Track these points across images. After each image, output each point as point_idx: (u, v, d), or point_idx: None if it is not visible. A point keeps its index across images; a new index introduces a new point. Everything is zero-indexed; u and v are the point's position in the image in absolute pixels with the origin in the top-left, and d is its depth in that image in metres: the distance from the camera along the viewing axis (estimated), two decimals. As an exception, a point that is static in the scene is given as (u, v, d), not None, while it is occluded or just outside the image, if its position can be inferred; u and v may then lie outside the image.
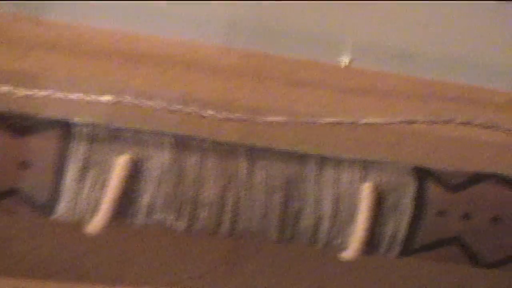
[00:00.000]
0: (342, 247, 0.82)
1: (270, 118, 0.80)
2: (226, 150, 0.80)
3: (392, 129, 0.92)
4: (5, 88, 0.73)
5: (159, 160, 0.79)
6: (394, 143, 0.94)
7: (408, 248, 0.83)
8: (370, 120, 0.81)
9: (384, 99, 0.93)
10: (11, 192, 0.74)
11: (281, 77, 0.92)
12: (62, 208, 0.76)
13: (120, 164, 0.75)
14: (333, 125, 0.84)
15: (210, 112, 0.78)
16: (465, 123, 0.80)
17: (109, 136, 0.77)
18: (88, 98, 0.75)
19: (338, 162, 0.82)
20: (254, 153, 0.80)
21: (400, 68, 0.97)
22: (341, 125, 0.83)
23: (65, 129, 0.76)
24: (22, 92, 0.73)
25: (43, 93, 0.74)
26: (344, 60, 0.95)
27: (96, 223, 0.75)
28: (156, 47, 0.89)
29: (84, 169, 0.75)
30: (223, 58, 0.91)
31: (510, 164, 0.96)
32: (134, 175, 0.79)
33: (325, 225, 0.81)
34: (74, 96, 0.75)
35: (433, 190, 0.83)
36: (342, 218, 0.81)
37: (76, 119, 0.77)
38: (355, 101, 0.94)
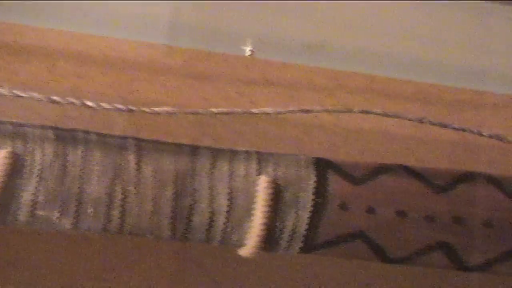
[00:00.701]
0: (240, 243, 0.79)
1: (158, 109, 0.77)
2: (113, 143, 0.77)
3: (297, 121, 0.90)
4: None
5: (40, 154, 0.75)
6: (300, 136, 0.91)
7: (310, 244, 0.80)
8: (263, 109, 0.78)
9: (288, 90, 0.91)
10: None
11: (177, 68, 0.89)
12: None
13: (-2, 158, 0.72)
14: (230, 116, 0.80)
15: (89, 103, 0.75)
16: (364, 112, 0.77)
17: (-15, 129, 0.73)
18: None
19: (232, 155, 0.79)
20: (142, 146, 0.77)
21: (305, 59, 0.95)
22: (236, 116, 0.80)
23: None
24: None
25: None
26: (248, 50, 0.93)
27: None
28: (47, 40, 0.86)
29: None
30: (116, 50, 0.88)
31: (419, 156, 0.93)
32: (15, 170, 0.74)
33: (221, 220, 0.78)
34: None
35: (335, 183, 0.81)
36: (238, 213, 0.78)
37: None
38: (259, 91, 0.91)
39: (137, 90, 0.88)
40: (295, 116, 0.86)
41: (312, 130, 0.90)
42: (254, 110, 0.77)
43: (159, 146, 0.77)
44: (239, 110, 0.76)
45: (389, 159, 0.82)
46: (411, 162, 0.83)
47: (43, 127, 0.75)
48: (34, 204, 0.73)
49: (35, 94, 0.72)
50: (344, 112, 0.75)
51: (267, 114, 0.76)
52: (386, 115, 0.79)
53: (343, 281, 0.95)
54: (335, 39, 0.96)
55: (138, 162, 0.75)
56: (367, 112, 0.77)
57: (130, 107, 0.76)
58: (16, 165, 0.74)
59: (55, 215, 0.73)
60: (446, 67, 1.03)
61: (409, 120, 0.79)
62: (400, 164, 0.83)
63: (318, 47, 0.95)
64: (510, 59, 1.06)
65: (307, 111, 0.77)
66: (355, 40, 0.98)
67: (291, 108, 0.76)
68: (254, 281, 0.94)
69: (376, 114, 0.79)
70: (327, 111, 0.77)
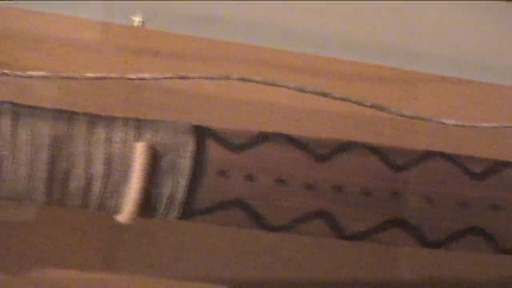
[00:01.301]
0: (117, 209, 0.80)
1: (32, 73, 0.78)
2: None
3: (183, 91, 0.91)
4: None
5: None
6: (185, 105, 0.93)
7: (189, 211, 0.82)
8: (139, 75, 0.80)
9: (177, 61, 0.93)
10: None
11: (63, 36, 0.90)
12: None
13: None
14: (117, 85, 0.82)
15: None
16: (241, 79, 0.79)
17: None
18: None
19: (110, 121, 0.81)
20: (19, 111, 0.79)
21: (195, 31, 0.97)
22: (123, 85, 0.81)
23: None
24: None
25: None
26: (137, 21, 0.94)
27: None
28: None
29: None
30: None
31: (303, 127, 0.96)
32: None
33: (97, 186, 0.79)
34: None
35: (214, 150, 0.83)
36: (115, 179, 0.79)
37: None
38: (147, 62, 0.93)
39: (23, 58, 0.88)
40: (180, 86, 0.88)
41: (197, 99, 0.92)
42: (130, 76, 0.78)
43: (35, 111, 0.78)
44: (115, 75, 0.77)
45: (273, 129, 0.84)
46: (295, 133, 0.84)
47: None
48: None
49: None
50: (222, 79, 0.77)
51: (144, 80, 0.78)
52: (264, 83, 0.81)
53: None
54: (225, 11, 0.98)
55: (14, 127, 0.76)
56: (244, 80, 0.80)
57: (5, 71, 0.77)
58: None
59: None
60: (334, 39, 1.06)
61: (289, 88, 0.82)
62: (281, 133, 0.86)
63: (208, 18, 0.97)
64: (398, 31, 1.09)
65: (184, 77, 0.79)
66: (245, 11, 1.00)
67: (168, 75, 0.78)
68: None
69: (254, 82, 0.81)
70: (204, 78, 0.78)
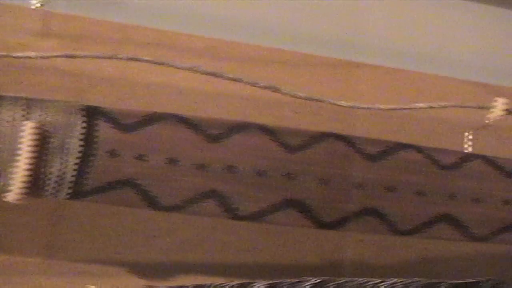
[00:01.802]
0: (6, 188, 0.81)
1: None
2: None
3: (82, 73, 0.93)
4: None
5: None
6: (84, 87, 0.94)
7: (79, 191, 0.84)
8: (25, 53, 0.81)
9: (74, 42, 0.94)
10: None
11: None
12: None
13: None
14: (11, 66, 0.82)
15: None
16: (130, 59, 0.81)
17: None
18: None
19: (-1, 100, 0.81)
20: None
21: (93, 12, 0.98)
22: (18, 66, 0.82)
23: None
24: None
25: None
26: (35, 2, 0.95)
27: None
28: None
29: None
30: None
31: (208, 110, 0.98)
32: None
33: (-16, 165, 0.80)
34: None
35: (104, 130, 0.84)
36: (4, 158, 0.80)
37: None
38: (42, 42, 0.94)
39: None
40: (80, 68, 0.89)
41: (98, 82, 0.93)
42: (16, 54, 0.79)
43: None
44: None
45: (171, 111, 0.86)
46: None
47: None
48: None
49: None
50: (110, 58, 0.79)
51: (29, 58, 0.79)
52: (154, 62, 0.83)
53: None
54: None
55: None
56: (132, 59, 0.81)
57: None
58: None
59: None
60: (239, 23, 1.08)
61: (179, 68, 0.83)
62: (172, 113, 0.88)
63: (109, 1, 0.99)
64: (305, 18, 1.12)
65: (71, 56, 0.81)
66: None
67: (55, 54, 0.79)
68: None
69: (143, 61, 0.83)
70: (91, 56, 0.80)
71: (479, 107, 0.96)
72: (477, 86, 1.17)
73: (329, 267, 1.05)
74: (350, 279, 0.84)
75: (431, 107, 0.93)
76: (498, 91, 1.17)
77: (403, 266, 1.10)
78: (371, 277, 0.85)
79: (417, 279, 0.86)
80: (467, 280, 0.89)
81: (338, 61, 1.07)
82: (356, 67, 1.07)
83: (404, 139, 0.97)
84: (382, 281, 0.84)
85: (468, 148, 0.99)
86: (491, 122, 0.98)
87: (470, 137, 1.00)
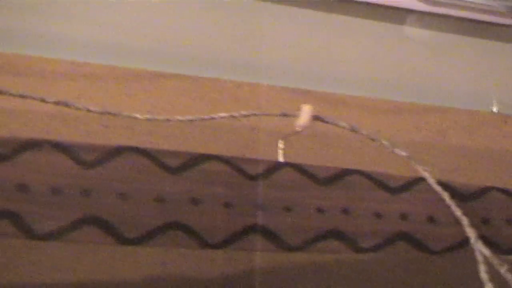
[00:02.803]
0: None
1: None
2: None
3: None
4: None
5: None
6: None
7: None
8: None
9: None
10: None
11: None
12: None
13: None
14: None
15: None
16: None
17: None
18: None
19: None
20: None
21: None
22: None
23: None
24: None
25: None
26: None
27: None
28: None
29: None
30: None
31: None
32: None
33: None
34: None
35: None
36: None
37: None
38: None
39: None
40: None
41: None
42: None
43: None
44: None
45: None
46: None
47: None
48: None
49: None
50: None
51: None
52: None
53: None
54: None
55: None
56: None
57: None
58: None
59: None
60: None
61: None
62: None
63: None
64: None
65: None
66: None
67: None
68: None
69: None
70: None
71: (284, 115, 0.97)
72: (298, 92, 1.18)
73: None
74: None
75: (233, 117, 0.93)
76: (325, 97, 1.18)
77: (227, 278, 1.09)
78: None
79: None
80: None
81: (147, 72, 1.06)
82: (165, 77, 1.06)
83: (221, 150, 0.97)
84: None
85: (280, 156, 1.00)
86: (299, 129, 0.99)
87: (282, 146, 1.00)
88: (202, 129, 1.07)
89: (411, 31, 1.33)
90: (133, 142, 0.92)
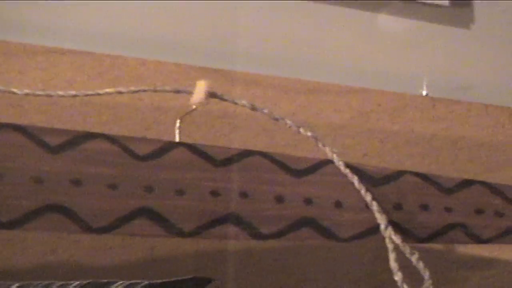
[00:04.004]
0: None
1: None
2: None
3: None
4: None
5: None
6: None
7: None
8: None
9: None
10: None
11: None
12: None
13: None
14: None
15: None
16: None
17: None
18: None
19: None
20: None
21: None
22: None
23: None
24: None
25: None
26: None
27: None
28: None
29: None
30: None
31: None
32: None
33: None
34: None
35: None
36: None
37: None
38: None
39: None
40: None
41: None
42: None
43: None
44: None
45: None
46: None
47: None
48: None
49: None
50: None
51: None
52: None
53: None
54: None
55: None
56: None
57: None
58: None
59: None
60: None
61: None
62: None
63: None
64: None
65: None
66: None
67: None
68: None
69: None
70: None
71: (177, 91, 0.92)
72: (208, 71, 1.12)
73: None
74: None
75: (120, 92, 0.87)
76: (237, 77, 1.13)
77: (125, 266, 1.04)
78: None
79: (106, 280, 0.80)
80: (166, 280, 0.84)
81: (41, 47, 1.00)
82: (61, 53, 1.01)
83: (122, 131, 0.91)
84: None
85: (177, 136, 0.94)
86: (194, 107, 0.93)
87: (178, 125, 0.95)
88: (98, 108, 1.01)
89: (339, 10, 1.27)
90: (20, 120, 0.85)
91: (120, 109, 1.07)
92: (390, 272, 0.97)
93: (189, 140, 0.95)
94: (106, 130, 0.96)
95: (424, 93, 1.33)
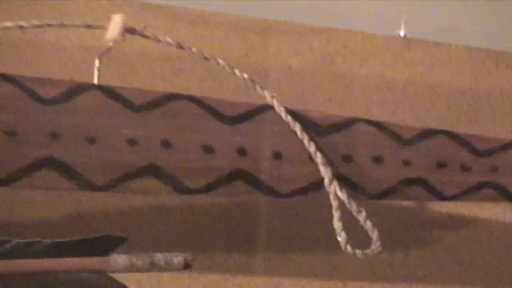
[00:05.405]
0: None
1: None
2: None
3: None
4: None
5: None
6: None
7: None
8: None
9: None
10: None
11: None
12: None
13: None
14: None
15: None
16: None
17: None
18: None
19: None
20: None
21: None
22: None
23: None
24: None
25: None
26: None
27: None
28: None
29: None
30: None
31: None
32: None
33: None
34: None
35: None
36: None
37: None
38: None
39: None
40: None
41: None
42: None
43: None
44: None
45: None
46: None
47: None
48: None
49: None
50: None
51: None
52: None
53: None
54: None
55: None
56: None
57: None
58: None
59: None
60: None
61: None
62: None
63: None
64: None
65: None
66: None
67: None
68: None
69: None
70: None
71: (88, 27, 0.80)
72: (148, 8, 1.00)
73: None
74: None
75: (22, 27, 0.76)
76: (181, 15, 1.01)
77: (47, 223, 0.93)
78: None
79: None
80: (74, 239, 0.82)
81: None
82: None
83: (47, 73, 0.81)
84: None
85: (95, 77, 0.83)
86: (111, 44, 0.81)
87: (97, 65, 0.83)
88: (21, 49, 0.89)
89: None
90: None
91: (44, 49, 0.95)
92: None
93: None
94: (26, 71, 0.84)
95: (401, 33, 1.18)
